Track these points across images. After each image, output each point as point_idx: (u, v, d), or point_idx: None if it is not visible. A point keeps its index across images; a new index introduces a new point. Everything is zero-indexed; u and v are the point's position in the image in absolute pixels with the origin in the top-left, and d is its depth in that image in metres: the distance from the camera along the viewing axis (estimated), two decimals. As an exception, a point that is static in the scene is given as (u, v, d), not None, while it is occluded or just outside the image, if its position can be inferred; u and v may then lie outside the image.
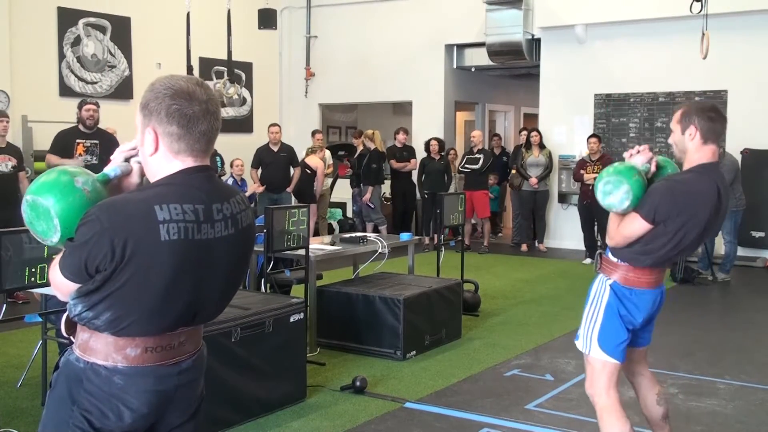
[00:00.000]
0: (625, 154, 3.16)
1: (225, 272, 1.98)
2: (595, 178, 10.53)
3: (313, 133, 11.13)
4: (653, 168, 3.11)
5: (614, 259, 3.14)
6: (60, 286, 1.88)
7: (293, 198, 10.17)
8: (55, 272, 1.87)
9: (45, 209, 1.84)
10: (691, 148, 3.04)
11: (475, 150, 10.90)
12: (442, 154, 11.03)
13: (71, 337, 1.96)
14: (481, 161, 10.80)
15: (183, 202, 1.84)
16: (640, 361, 3.37)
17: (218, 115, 1.93)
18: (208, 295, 1.96)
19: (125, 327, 1.86)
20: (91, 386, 1.88)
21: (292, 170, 10.21)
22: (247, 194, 9.54)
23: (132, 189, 1.97)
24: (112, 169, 1.97)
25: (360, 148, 11.18)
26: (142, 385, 1.89)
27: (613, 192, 3.00)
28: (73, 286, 1.86)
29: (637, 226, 3.01)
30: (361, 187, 10.97)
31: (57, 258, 1.87)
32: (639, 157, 3.10)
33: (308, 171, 10.17)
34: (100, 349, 1.88)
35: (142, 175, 1.98)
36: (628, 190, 2.97)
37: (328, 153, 10.99)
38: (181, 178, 1.88)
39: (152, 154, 1.89)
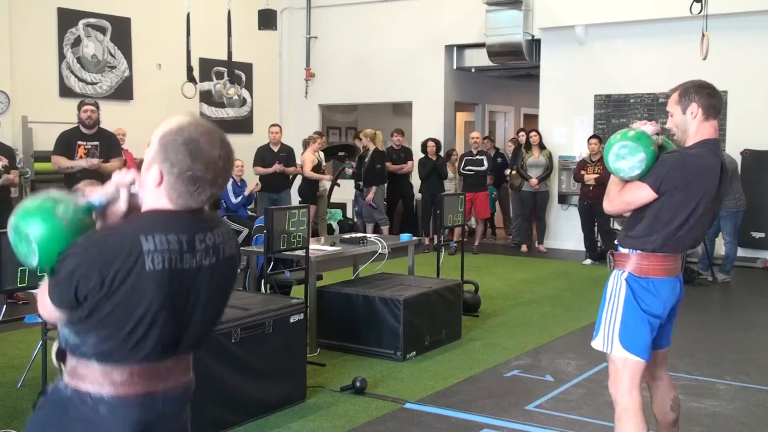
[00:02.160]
0: (635, 123, 3.12)
1: (206, 301, 2.00)
2: (596, 179, 10.53)
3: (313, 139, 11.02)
4: (660, 140, 3.10)
5: (625, 251, 3.10)
6: (50, 312, 1.92)
7: (297, 197, 10.17)
8: (43, 298, 1.91)
9: (25, 234, 1.89)
10: (693, 126, 3.04)
11: (475, 151, 10.91)
12: (440, 154, 11.03)
13: (62, 365, 1.98)
14: (486, 162, 10.83)
15: (167, 233, 1.88)
16: (660, 364, 3.33)
17: (225, 184, 1.98)
18: (191, 323, 1.98)
19: (110, 353, 1.88)
20: (76, 414, 1.90)
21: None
22: (246, 194, 9.54)
23: (119, 216, 1.99)
24: (97, 199, 1.98)
25: (363, 148, 11.10)
26: (127, 416, 1.91)
27: (627, 157, 2.97)
28: (60, 314, 1.90)
29: (641, 194, 2.99)
30: (362, 188, 10.96)
31: (45, 284, 1.91)
32: (650, 127, 3.07)
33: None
34: (87, 374, 1.90)
35: (130, 205, 1.99)
36: (643, 158, 2.95)
37: (322, 154, 10.94)
38: (169, 213, 1.93)
39: (153, 188, 1.92)
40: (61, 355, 1.97)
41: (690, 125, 3.04)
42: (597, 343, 3.19)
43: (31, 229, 1.87)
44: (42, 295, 1.91)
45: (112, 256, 1.82)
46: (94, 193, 1.99)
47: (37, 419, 1.98)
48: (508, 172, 11.43)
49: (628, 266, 3.09)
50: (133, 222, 1.93)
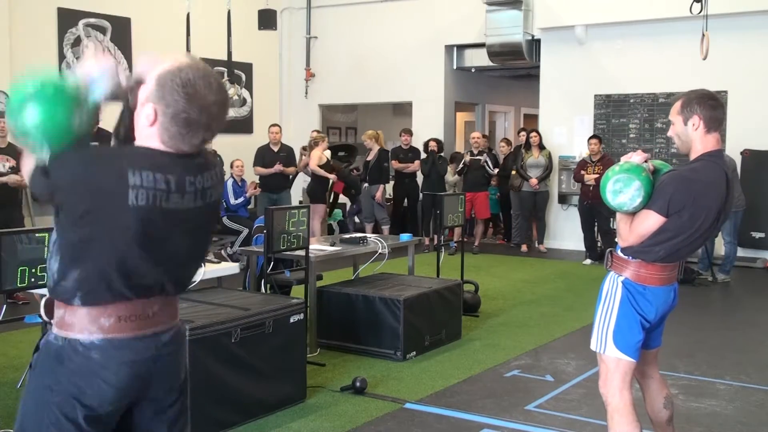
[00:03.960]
0: (623, 158, 3.13)
1: (189, 243, 2.02)
2: (596, 179, 10.54)
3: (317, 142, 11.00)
4: (651, 167, 3.09)
5: (625, 256, 3.10)
6: (33, 177, 1.92)
7: (298, 198, 10.18)
8: (27, 170, 1.92)
9: (30, 127, 1.85)
10: (696, 139, 3.02)
11: (476, 151, 10.92)
12: (441, 154, 11.05)
13: (50, 320, 2.00)
14: (489, 163, 10.85)
15: (156, 171, 1.89)
16: (651, 363, 3.34)
17: (218, 130, 1.98)
18: (174, 263, 2.00)
19: (93, 290, 1.89)
20: (71, 364, 1.91)
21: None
22: (247, 194, 9.55)
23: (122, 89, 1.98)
24: (97, 91, 1.95)
25: (373, 148, 11.03)
26: (120, 357, 1.92)
27: (624, 190, 2.96)
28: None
29: (651, 222, 2.98)
30: (366, 187, 10.98)
31: (30, 157, 1.90)
32: (637, 157, 3.07)
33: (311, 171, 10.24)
34: (75, 322, 1.91)
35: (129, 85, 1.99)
36: (639, 186, 2.94)
37: (328, 152, 10.97)
38: (161, 152, 1.94)
39: (146, 126, 1.92)
40: (49, 309, 1.98)
41: (692, 138, 3.03)
42: (593, 343, 3.20)
43: (39, 112, 1.81)
44: (27, 169, 1.92)
45: (94, 182, 1.85)
46: (90, 76, 1.94)
47: (35, 375, 1.98)
48: (495, 171, 11.37)
49: (626, 272, 3.10)
50: (125, 152, 1.95)
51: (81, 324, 1.91)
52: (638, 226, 3.02)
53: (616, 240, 3.18)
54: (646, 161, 3.08)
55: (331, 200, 11.34)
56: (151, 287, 1.97)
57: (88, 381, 1.90)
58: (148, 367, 1.97)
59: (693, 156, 3.05)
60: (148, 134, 1.92)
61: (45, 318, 2.02)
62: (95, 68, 1.96)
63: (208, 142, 2.01)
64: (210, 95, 1.90)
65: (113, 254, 1.88)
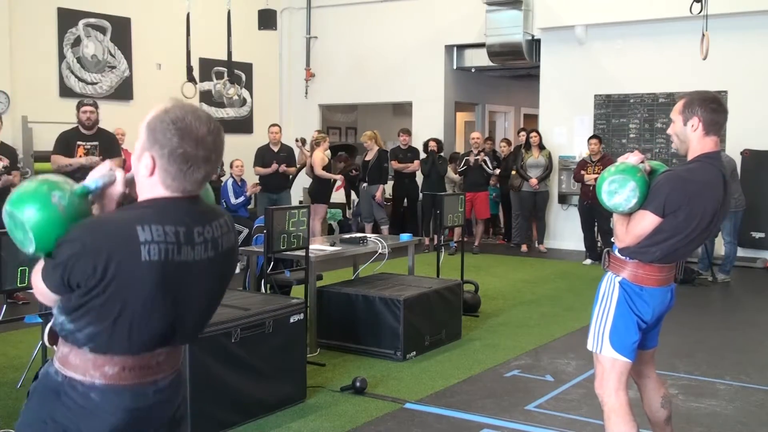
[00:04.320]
0: (620, 159, 3.13)
1: (203, 294, 1.99)
2: (596, 179, 10.55)
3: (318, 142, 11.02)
4: (647, 167, 3.09)
5: (622, 257, 3.10)
6: (42, 293, 1.91)
7: (298, 198, 10.19)
8: (37, 280, 1.89)
9: (20, 221, 1.86)
10: (693, 139, 3.02)
11: (476, 151, 10.92)
12: (440, 154, 11.05)
13: (54, 347, 1.98)
14: (488, 162, 10.85)
15: (165, 224, 1.86)
16: (648, 362, 3.34)
17: (218, 162, 1.96)
18: (186, 316, 1.97)
19: (104, 343, 1.87)
20: (68, 401, 1.90)
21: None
22: (248, 193, 9.55)
23: (116, 198, 1.97)
24: (93, 181, 1.95)
25: (372, 149, 11.04)
26: (118, 403, 1.91)
27: (619, 191, 2.96)
28: (55, 296, 1.89)
29: (647, 222, 2.98)
30: (365, 187, 10.98)
31: (39, 264, 1.89)
32: (633, 157, 3.07)
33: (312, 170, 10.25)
34: (78, 364, 1.89)
35: (126, 185, 1.98)
36: (634, 187, 2.94)
37: (328, 151, 10.99)
38: (165, 201, 1.90)
39: (145, 177, 1.90)
40: (53, 337, 1.95)
41: (690, 138, 3.03)
42: (589, 343, 3.20)
43: (27, 216, 1.84)
44: (36, 277, 1.89)
45: (106, 244, 1.80)
46: (90, 177, 1.96)
47: (31, 406, 1.98)
48: (497, 172, 11.39)
49: (623, 273, 3.10)
50: (130, 210, 1.91)
51: (84, 367, 1.89)
52: (634, 227, 3.02)
53: (612, 240, 3.18)
54: (642, 162, 3.08)
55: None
56: (161, 340, 1.95)
57: (85, 421, 1.89)
58: (145, 413, 1.96)
59: (690, 157, 3.06)
60: (151, 184, 1.89)
61: (47, 344, 1.98)
62: (97, 173, 1.98)
63: (212, 175, 1.96)
64: (202, 127, 1.87)
65: (128, 313, 1.84)
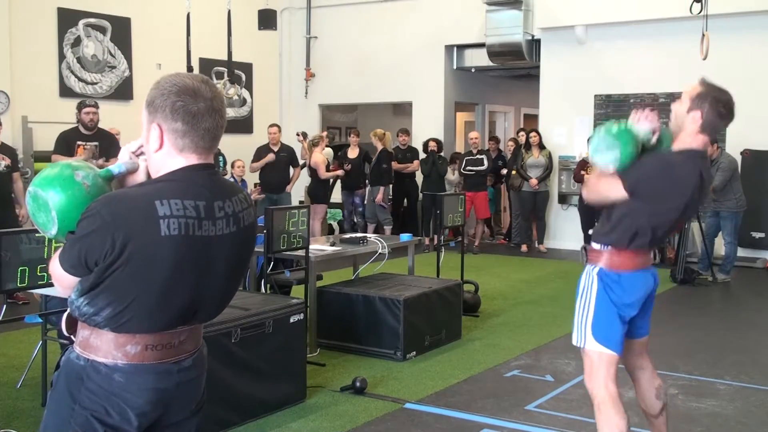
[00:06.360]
0: (633, 116, 3.09)
1: (225, 270, 1.97)
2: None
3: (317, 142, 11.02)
4: (654, 139, 3.07)
5: (597, 246, 3.13)
6: (60, 278, 1.89)
7: (299, 198, 10.19)
8: (54, 265, 1.88)
9: (44, 202, 1.86)
10: (687, 129, 3.02)
11: (475, 151, 10.93)
12: (440, 154, 11.05)
13: (72, 337, 1.96)
14: (486, 162, 10.84)
15: (184, 198, 1.84)
16: (641, 353, 3.32)
17: (223, 112, 1.94)
18: (208, 293, 1.96)
19: (125, 323, 1.86)
20: (92, 384, 1.88)
21: (291, 171, 10.23)
22: (252, 197, 9.56)
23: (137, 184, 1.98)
24: (117, 165, 1.97)
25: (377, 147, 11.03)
26: (142, 383, 1.90)
27: (603, 152, 2.99)
28: (72, 280, 1.87)
29: (615, 190, 3.00)
30: (368, 188, 10.98)
31: (57, 251, 1.88)
32: (645, 124, 3.05)
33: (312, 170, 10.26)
34: (100, 346, 1.88)
35: (149, 174, 1.98)
36: (617, 157, 2.97)
37: (329, 150, 10.99)
38: (183, 174, 1.89)
39: (157, 150, 1.90)
40: (71, 325, 1.94)
41: (685, 126, 3.02)
42: (574, 338, 3.20)
43: (51, 197, 1.85)
44: (54, 264, 1.88)
45: (124, 219, 1.78)
46: (114, 162, 1.98)
47: (55, 395, 1.96)
48: (504, 172, 11.42)
49: (600, 262, 3.12)
50: (148, 185, 1.90)
51: (106, 348, 1.87)
52: (603, 185, 3.06)
53: (582, 191, 3.20)
54: (654, 133, 3.05)
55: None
56: (183, 317, 1.93)
57: (111, 402, 1.88)
58: (169, 392, 1.95)
59: (676, 143, 3.06)
60: (165, 155, 1.89)
61: (66, 334, 1.97)
62: (121, 159, 2.01)
63: (222, 127, 1.93)
64: (196, 82, 1.89)
65: (148, 289, 1.83)
